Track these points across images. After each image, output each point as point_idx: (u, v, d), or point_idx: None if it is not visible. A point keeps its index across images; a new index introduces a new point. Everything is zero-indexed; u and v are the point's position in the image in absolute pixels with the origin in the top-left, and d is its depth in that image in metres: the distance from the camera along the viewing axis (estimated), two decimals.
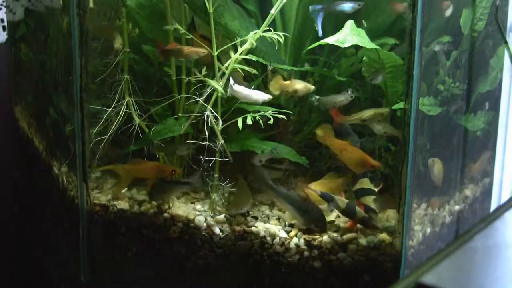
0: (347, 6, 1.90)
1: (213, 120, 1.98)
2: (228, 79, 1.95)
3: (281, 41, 1.93)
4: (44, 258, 2.50)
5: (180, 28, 1.97)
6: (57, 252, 2.36)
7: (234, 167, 2.03)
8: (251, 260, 1.95)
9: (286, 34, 2.01)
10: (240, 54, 1.96)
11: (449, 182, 2.11)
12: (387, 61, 1.94)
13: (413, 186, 1.80)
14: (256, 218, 2.01)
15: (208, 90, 1.98)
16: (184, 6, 2.03)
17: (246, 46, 1.96)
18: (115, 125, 2.04)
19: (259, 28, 1.97)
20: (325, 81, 2.17)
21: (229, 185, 1.99)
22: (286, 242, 1.92)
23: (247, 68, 1.97)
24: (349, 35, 1.89)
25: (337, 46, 1.90)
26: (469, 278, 1.09)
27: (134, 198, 2.10)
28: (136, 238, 2.04)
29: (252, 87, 1.97)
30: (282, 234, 1.94)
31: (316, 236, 1.92)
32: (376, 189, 2.00)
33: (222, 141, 1.99)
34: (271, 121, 1.94)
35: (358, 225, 1.92)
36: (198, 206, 2.07)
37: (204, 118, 1.96)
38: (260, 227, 1.96)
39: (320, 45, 1.96)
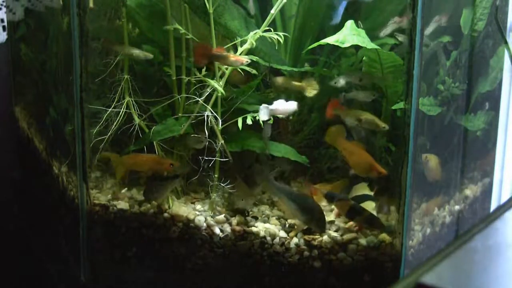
0: None
1: (213, 120, 1.98)
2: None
3: (281, 41, 1.93)
4: (44, 258, 2.50)
5: (180, 28, 1.97)
6: (57, 252, 2.36)
7: (234, 166, 2.03)
8: (251, 260, 1.95)
9: (286, 34, 2.01)
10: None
11: (449, 182, 2.11)
12: (387, 61, 1.94)
13: (413, 186, 1.80)
14: (256, 218, 2.01)
15: (208, 90, 1.98)
16: (184, 6, 2.03)
17: (246, 46, 1.96)
18: (115, 125, 2.04)
19: (259, 28, 1.97)
20: (325, 81, 2.17)
21: (229, 186, 1.99)
22: (286, 242, 1.92)
23: (247, 68, 1.98)
24: (349, 35, 1.89)
25: (337, 46, 1.90)
26: (469, 278, 1.09)
27: (134, 198, 2.10)
28: (136, 238, 2.04)
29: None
30: (282, 234, 1.94)
31: (316, 236, 1.92)
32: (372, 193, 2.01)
33: (222, 141, 1.99)
34: (271, 121, 1.94)
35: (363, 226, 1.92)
36: (198, 206, 2.07)
37: (204, 118, 1.96)
38: (260, 227, 1.97)
39: (320, 45, 1.96)
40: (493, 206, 2.32)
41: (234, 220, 1.99)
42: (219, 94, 1.99)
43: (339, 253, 1.88)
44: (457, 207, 2.14)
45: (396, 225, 1.85)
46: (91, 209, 2.05)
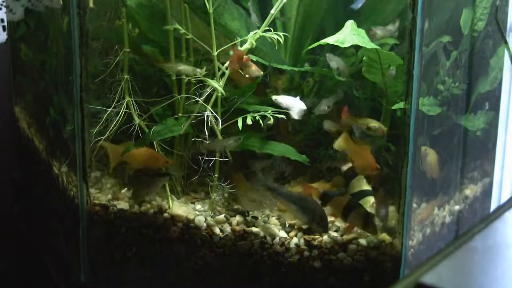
0: None
1: (213, 120, 1.98)
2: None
3: (281, 41, 1.93)
4: (44, 258, 2.50)
5: (180, 28, 1.97)
6: (57, 252, 2.36)
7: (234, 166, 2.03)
8: (251, 260, 1.95)
9: (286, 34, 2.01)
10: None
11: (449, 182, 2.11)
12: (387, 61, 1.94)
13: (413, 186, 1.80)
14: (256, 218, 2.01)
15: (208, 90, 1.98)
16: (184, 6, 2.03)
17: (246, 46, 1.96)
18: (115, 125, 2.04)
19: (259, 28, 1.97)
20: (325, 81, 2.17)
21: (229, 186, 1.99)
22: (286, 242, 1.92)
23: None
24: (349, 35, 1.89)
25: (337, 46, 1.90)
26: (469, 278, 1.09)
27: (133, 199, 2.09)
28: (136, 238, 2.04)
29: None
30: (282, 234, 1.94)
31: (316, 236, 1.92)
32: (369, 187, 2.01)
33: None
34: (271, 121, 1.94)
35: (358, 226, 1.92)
36: (198, 206, 2.07)
37: (204, 118, 1.96)
38: (260, 227, 1.97)
39: (320, 45, 1.96)
40: (493, 206, 2.32)
41: (234, 220, 1.99)
42: (219, 94, 1.99)
43: (339, 253, 1.88)
44: (457, 207, 2.14)
45: (396, 225, 1.85)
46: (91, 209, 2.05)
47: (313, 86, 2.19)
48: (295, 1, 2.14)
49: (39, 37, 2.52)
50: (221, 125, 1.99)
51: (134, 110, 2.05)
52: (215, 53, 1.98)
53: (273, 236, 1.94)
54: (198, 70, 1.97)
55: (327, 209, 1.95)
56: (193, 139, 2.03)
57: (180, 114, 2.05)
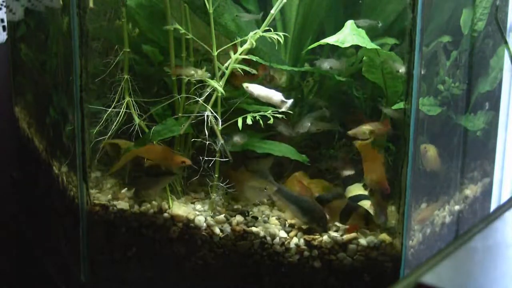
0: None
1: (213, 120, 1.98)
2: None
3: (281, 41, 1.93)
4: (44, 258, 2.50)
5: (180, 28, 1.97)
6: (57, 252, 2.36)
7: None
8: (251, 260, 1.95)
9: (286, 34, 2.01)
10: (240, 54, 1.96)
11: (449, 182, 2.11)
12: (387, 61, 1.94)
13: (413, 186, 1.80)
14: (256, 218, 2.01)
15: (208, 90, 1.98)
16: (184, 6, 2.03)
17: (246, 46, 1.96)
18: (115, 125, 2.04)
19: (259, 28, 1.97)
20: (325, 81, 2.17)
21: (229, 185, 1.99)
22: (286, 242, 1.92)
23: (247, 68, 1.98)
24: (349, 35, 1.88)
25: (337, 46, 1.90)
26: (469, 278, 1.09)
27: (134, 198, 2.09)
28: (136, 238, 2.04)
29: None
30: (282, 234, 1.94)
31: (316, 236, 1.92)
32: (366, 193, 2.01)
33: (222, 141, 1.99)
34: (271, 121, 1.94)
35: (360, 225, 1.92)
36: (198, 206, 2.07)
37: (204, 118, 1.96)
38: (260, 227, 1.97)
39: (320, 45, 1.96)
40: (493, 206, 2.32)
41: (234, 220, 1.99)
42: (219, 94, 1.99)
43: (339, 253, 1.88)
44: (457, 207, 2.14)
45: (396, 225, 1.85)
46: (91, 209, 2.05)
47: (313, 86, 2.19)
48: (295, 1, 2.14)
49: (39, 37, 2.52)
50: (221, 125, 1.99)
51: (134, 110, 2.05)
52: (215, 53, 1.98)
53: (273, 236, 1.94)
54: (206, 74, 1.97)
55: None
56: (192, 139, 2.04)
57: (180, 114, 2.05)
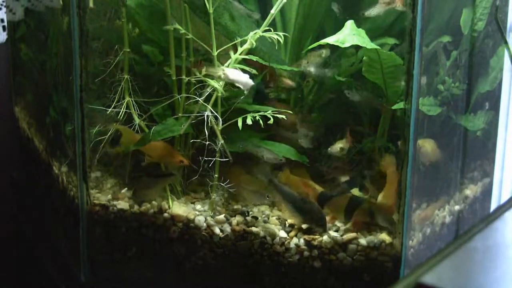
0: None
1: (213, 120, 1.98)
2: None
3: (281, 41, 1.93)
4: (44, 258, 2.50)
5: (180, 28, 1.97)
6: (57, 252, 2.36)
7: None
8: (251, 260, 1.95)
9: (286, 34, 2.01)
10: (240, 54, 1.96)
11: (449, 182, 2.11)
12: (387, 61, 1.94)
13: (413, 186, 1.80)
14: (256, 218, 2.01)
15: (208, 90, 1.98)
16: (184, 6, 2.03)
17: (246, 46, 1.96)
18: (114, 127, 2.04)
19: (259, 28, 1.97)
20: (324, 81, 2.17)
21: (229, 185, 1.99)
22: (286, 242, 1.92)
23: (247, 68, 1.98)
24: (349, 35, 1.89)
25: (337, 46, 1.90)
26: (469, 278, 1.09)
27: (133, 198, 2.09)
28: (136, 238, 2.04)
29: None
30: (282, 234, 1.94)
31: (316, 236, 1.92)
32: (366, 196, 2.00)
33: (222, 141, 1.99)
34: (271, 121, 1.94)
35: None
36: (198, 206, 2.07)
37: (204, 118, 1.96)
38: (260, 227, 1.96)
39: (320, 45, 1.96)
40: (493, 206, 2.32)
41: (234, 220, 1.99)
42: (219, 94, 1.99)
43: (339, 253, 1.88)
44: (457, 207, 2.14)
45: (396, 225, 1.85)
46: (91, 209, 2.05)
47: (313, 86, 2.19)
48: (295, 1, 2.14)
49: (39, 37, 2.52)
50: (221, 125, 1.99)
51: (134, 110, 2.05)
52: (215, 53, 1.98)
53: (273, 236, 1.94)
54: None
55: (325, 211, 1.95)
56: (192, 139, 2.04)
57: (180, 114, 2.05)
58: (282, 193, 1.97)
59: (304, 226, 1.96)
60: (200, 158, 1.97)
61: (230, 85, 1.96)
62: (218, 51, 1.98)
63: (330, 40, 1.90)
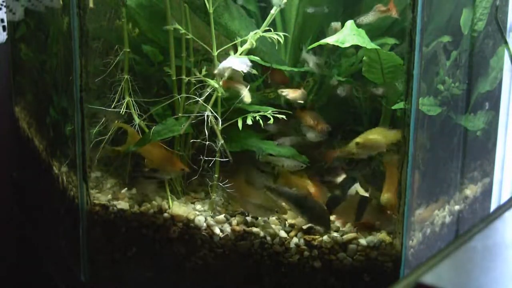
0: None
1: (213, 120, 1.98)
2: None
3: (281, 41, 1.93)
4: (44, 258, 2.50)
5: (180, 28, 1.97)
6: (57, 252, 2.36)
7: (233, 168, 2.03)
8: (251, 260, 1.95)
9: (286, 34, 2.01)
10: (240, 54, 1.96)
11: (449, 182, 2.11)
12: (387, 61, 1.94)
13: (413, 185, 1.80)
14: (256, 218, 2.01)
15: (208, 90, 1.98)
16: (184, 6, 2.03)
17: (246, 46, 1.97)
18: (115, 125, 2.04)
19: (259, 28, 1.97)
20: (325, 81, 2.17)
21: (229, 185, 1.99)
22: (286, 242, 1.92)
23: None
24: (349, 35, 1.89)
25: (337, 46, 1.90)
26: (469, 278, 1.09)
27: (134, 198, 2.10)
28: (136, 238, 2.04)
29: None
30: (282, 234, 1.94)
31: (316, 236, 1.92)
32: (367, 194, 2.00)
33: (222, 141, 1.99)
34: (271, 121, 1.94)
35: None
36: (198, 206, 2.07)
37: (204, 118, 1.96)
38: (260, 227, 1.96)
39: (320, 45, 1.96)
40: (493, 206, 2.32)
41: (234, 220, 1.99)
42: (219, 94, 1.99)
43: (339, 253, 1.88)
44: (457, 207, 2.14)
45: (396, 225, 1.85)
46: (91, 209, 2.05)
47: (313, 86, 2.19)
48: (295, 1, 2.14)
49: (39, 37, 2.52)
50: (221, 125, 1.99)
51: (134, 110, 2.05)
52: (215, 53, 1.98)
53: (273, 236, 1.94)
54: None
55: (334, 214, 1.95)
56: (192, 139, 2.04)
57: (180, 114, 2.05)
58: (283, 194, 1.97)
59: (305, 226, 1.96)
60: (201, 157, 1.97)
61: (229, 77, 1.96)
62: (218, 51, 1.98)
63: (330, 40, 1.90)
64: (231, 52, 1.98)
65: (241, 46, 1.97)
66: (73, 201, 2.11)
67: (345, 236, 1.90)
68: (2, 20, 2.42)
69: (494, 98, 2.26)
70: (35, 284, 2.67)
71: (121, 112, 2.02)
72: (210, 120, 1.97)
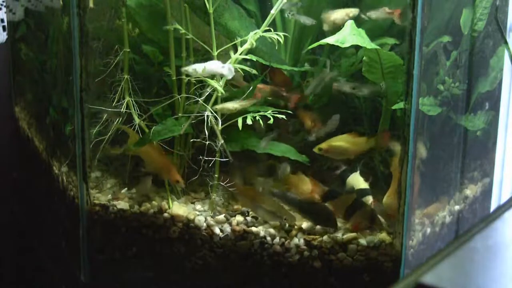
0: None
1: (213, 120, 1.98)
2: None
3: (281, 41, 1.93)
4: (44, 258, 2.50)
5: (180, 28, 1.97)
6: (57, 252, 2.36)
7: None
8: (251, 260, 1.95)
9: (286, 34, 2.01)
10: (240, 54, 1.96)
11: (449, 182, 2.11)
12: (387, 61, 1.94)
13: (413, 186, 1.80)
14: (256, 218, 2.01)
15: (208, 90, 1.98)
16: (184, 6, 2.03)
17: (246, 46, 1.96)
18: (115, 125, 2.04)
19: (259, 28, 1.97)
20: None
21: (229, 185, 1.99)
22: (286, 242, 1.92)
23: (247, 68, 1.98)
24: (349, 35, 1.88)
25: (337, 46, 1.90)
26: (469, 278, 1.09)
27: (134, 198, 2.10)
28: (136, 238, 2.04)
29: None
30: (282, 234, 1.94)
31: (316, 236, 1.92)
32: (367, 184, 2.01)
33: (222, 141, 1.99)
34: (271, 121, 1.94)
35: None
36: (198, 206, 2.07)
37: (204, 118, 1.96)
38: (260, 227, 1.97)
39: (320, 45, 1.96)
40: (493, 206, 2.32)
41: (234, 220, 1.99)
42: (219, 94, 1.99)
43: (339, 253, 1.88)
44: (457, 207, 2.14)
45: (396, 225, 1.85)
46: (91, 209, 2.05)
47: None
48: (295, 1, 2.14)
49: (39, 37, 2.52)
50: (221, 125, 1.99)
51: (134, 110, 2.05)
52: (215, 53, 1.98)
53: (273, 236, 1.94)
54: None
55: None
56: (192, 139, 2.04)
57: (180, 114, 2.05)
58: (288, 200, 1.97)
59: (304, 226, 1.96)
60: (201, 157, 1.97)
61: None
62: (218, 51, 1.98)
63: (330, 40, 1.90)
64: (231, 52, 1.98)
65: (241, 46, 1.97)
66: (73, 201, 2.11)
67: (345, 236, 1.90)
68: (2, 20, 2.43)
69: (494, 98, 2.26)
70: (35, 284, 2.67)
71: (121, 112, 2.02)
72: (210, 120, 1.97)
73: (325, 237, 1.91)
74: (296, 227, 1.97)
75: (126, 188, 2.13)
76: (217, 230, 1.97)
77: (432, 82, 1.98)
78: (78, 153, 2.02)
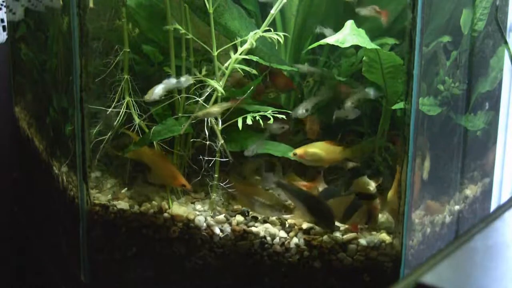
0: None
1: (213, 120, 1.98)
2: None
3: (281, 41, 1.93)
4: (44, 258, 2.50)
5: (180, 28, 1.97)
6: (57, 252, 2.36)
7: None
8: (251, 260, 1.95)
9: (286, 34, 2.01)
10: (240, 54, 1.97)
11: (449, 182, 2.11)
12: (387, 61, 1.94)
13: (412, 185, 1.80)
14: (256, 218, 2.01)
15: (208, 90, 1.98)
16: (184, 6, 2.03)
17: (246, 46, 1.96)
18: (115, 125, 2.04)
19: (259, 28, 1.97)
20: (325, 82, 2.17)
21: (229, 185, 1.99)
22: (286, 242, 1.92)
23: (247, 68, 1.98)
24: (349, 35, 1.89)
25: (337, 46, 1.90)
26: (469, 278, 1.09)
27: (134, 198, 2.10)
28: (136, 238, 2.04)
29: None
30: (282, 234, 1.95)
31: (316, 236, 1.92)
32: (375, 185, 2.00)
33: (222, 141, 1.99)
34: (271, 121, 1.94)
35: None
36: (198, 206, 2.07)
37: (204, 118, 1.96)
38: (260, 227, 1.97)
39: (320, 45, 1.96)
40: (493, 206, 2.32)
41: (234, 220, 1.99)
42: (219, 94, 1.99)
43: (339, 253, 1.88)
44: (457, 207, 2.14)
45: (396, 225, 1.85)
46: (91, 209, 2.05)
47: (313, 86, 2.19)
48: (295, 1, 2.14)
49: (39, 37, 2.52)
50: (221, 125, 1.99)
51: (134, 110, 2.05)
52: (215, 53, 1.98)
53: (273, 236, 1.94)
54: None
55: None
56: (192, 139, 2.04)
57: (180, 114, 2.05)
58: (292, 191, 1.96)
59: (305, 226, 1.96)
60: (201, 157, 1.97)
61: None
62: (218, 51, 1.98)
63: (330, 40, 1.90)
64: (231, 52, 1.98)
65: (241, 46, 1.97)
66: (73, 201, 2.11)
67: (345, 236, 1.90)
68: (2, 20, 2.43)
69: (494, 98, 2.26)
70: (35, 285, 2.67)
71: (121, 112, 2.02)
72: (210, 120, 1.97)
73: (325, 237, 1.91)
74: (296, 227, 1.97)
75: (126, 188, 2.13)
76: (217, 230, 1.97)
77: (432, 82, 1.98)
78: (78, 153, 2.02)
